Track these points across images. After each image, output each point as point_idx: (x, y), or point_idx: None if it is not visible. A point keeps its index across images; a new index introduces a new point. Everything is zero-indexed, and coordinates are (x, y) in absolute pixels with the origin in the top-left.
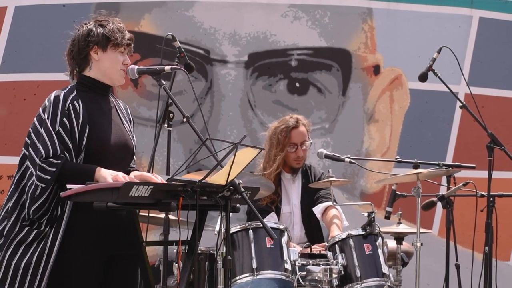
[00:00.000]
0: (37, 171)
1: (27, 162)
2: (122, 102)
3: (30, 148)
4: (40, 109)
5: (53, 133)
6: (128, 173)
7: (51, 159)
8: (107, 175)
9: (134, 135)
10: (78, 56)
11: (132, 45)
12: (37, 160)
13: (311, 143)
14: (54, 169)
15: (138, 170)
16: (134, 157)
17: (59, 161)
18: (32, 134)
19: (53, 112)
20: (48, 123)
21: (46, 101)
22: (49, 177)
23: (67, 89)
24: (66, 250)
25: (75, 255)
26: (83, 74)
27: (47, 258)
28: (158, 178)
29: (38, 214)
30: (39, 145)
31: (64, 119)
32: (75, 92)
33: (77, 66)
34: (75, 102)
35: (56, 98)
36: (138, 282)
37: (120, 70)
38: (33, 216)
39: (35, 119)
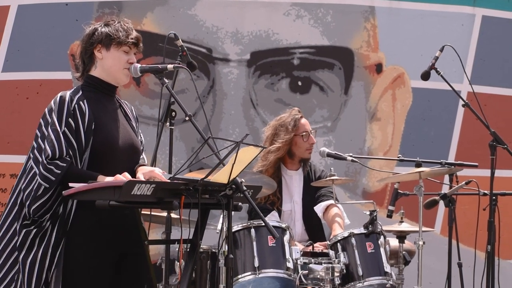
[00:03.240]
0: (43, 170)
1: (31, 162)
2: (127, 103)
3: (35, 149)
4: (46, 110)
5: (60, 134)
6: (135, 170)
7: (57, 161)
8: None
9: (141, 135)
10: (84, 55)
11: (140, 44)
12: (43, 159)
13: (315, 130)
14: (60, 171)
15: (146, 165)
16: (143, 154)
17: (65, 165)
18: (38, 135)
19: (59, 112)
20: (56, 124)
21: (52, 102)
22: (54, 179)
23: (73, 89)
24: (73, 249)
25: (83, 254)
26: (89, 74)
27: (51, 256)
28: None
29: (39, 213)
30: (45, 145)
31: (70, 119)
32: (81, 92)
33: (84, 65)
34: (81, 102)
35: (62, 98)
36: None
37: (124, 69)
38: (34, 215)
39: (41, 120)
